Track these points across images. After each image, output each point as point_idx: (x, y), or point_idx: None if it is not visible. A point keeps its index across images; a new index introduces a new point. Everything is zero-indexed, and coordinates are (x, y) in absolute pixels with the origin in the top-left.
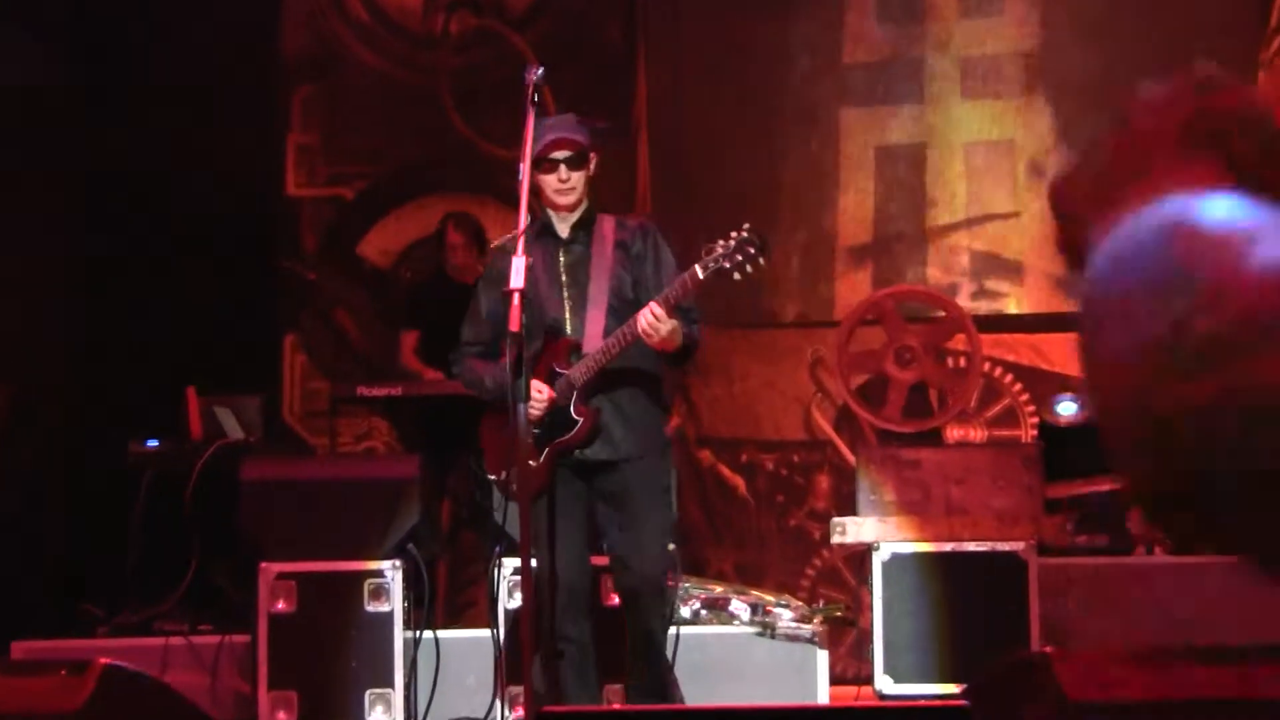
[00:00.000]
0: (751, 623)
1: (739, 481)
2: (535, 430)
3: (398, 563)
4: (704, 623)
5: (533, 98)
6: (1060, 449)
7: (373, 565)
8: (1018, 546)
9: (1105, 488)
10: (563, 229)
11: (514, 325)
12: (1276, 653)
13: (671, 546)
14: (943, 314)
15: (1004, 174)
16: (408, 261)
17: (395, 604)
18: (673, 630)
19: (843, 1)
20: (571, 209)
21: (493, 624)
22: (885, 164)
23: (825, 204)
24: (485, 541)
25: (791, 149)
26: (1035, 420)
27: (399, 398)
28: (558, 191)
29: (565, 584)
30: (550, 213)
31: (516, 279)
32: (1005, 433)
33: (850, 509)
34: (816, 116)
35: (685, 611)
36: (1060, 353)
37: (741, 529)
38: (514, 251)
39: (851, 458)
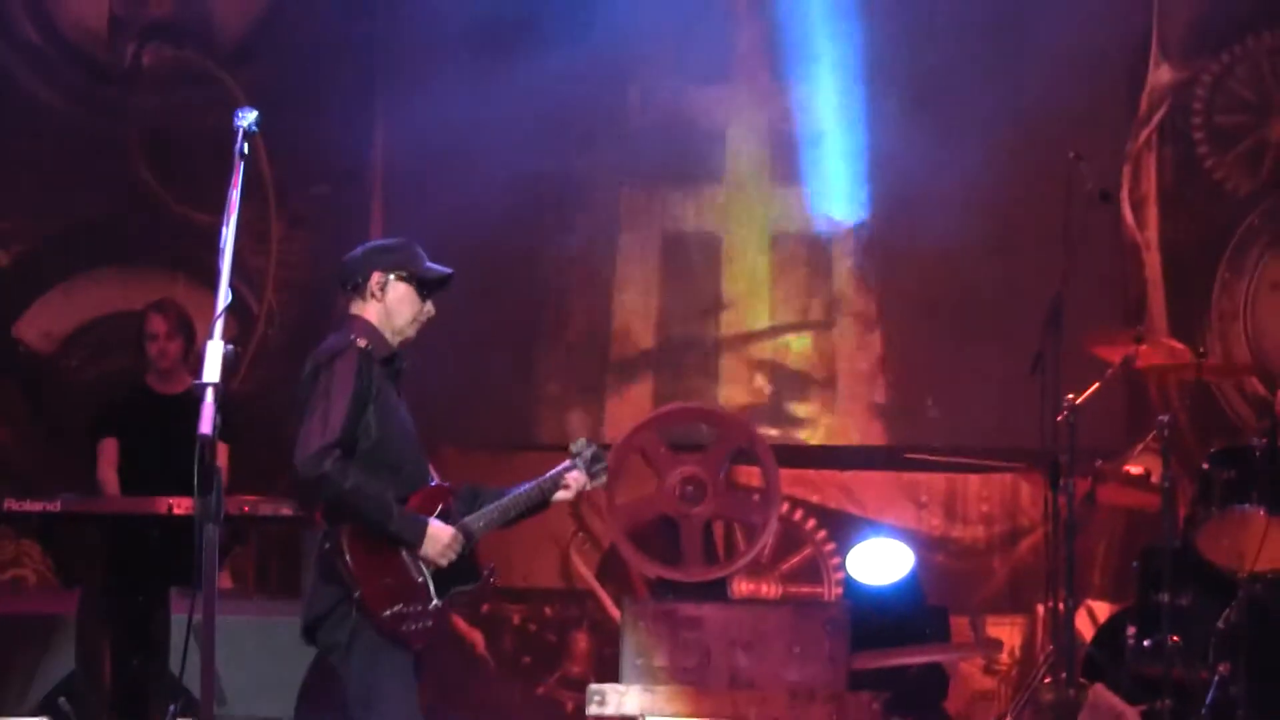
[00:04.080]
0: None
1: (477, 637)
2: (429, 569)
3: None
4: None
5: (241, 148)
6: (870, 612)
7: None
8: None
9: (922, 659)
10: (399, 364)
11: (205, 427)
12: None
13: None
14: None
15: (816, 272)
16: (77, 348)
17: None
18: None
19: (631, 49)
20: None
21: None
22: (674, 256)
23: (597, 302)
24: (159, 698)
25: (558, 232)
26: (841, 575)
27: (59, 514)
28: (419, 323)
29: None
30: (386, 334)
31: (211, 371)
32: (805, 589)
33: (613, 675)
34: (592, 194)
35: None
36: (874, 494)
37: (479, 697)
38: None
39: (616, 613)
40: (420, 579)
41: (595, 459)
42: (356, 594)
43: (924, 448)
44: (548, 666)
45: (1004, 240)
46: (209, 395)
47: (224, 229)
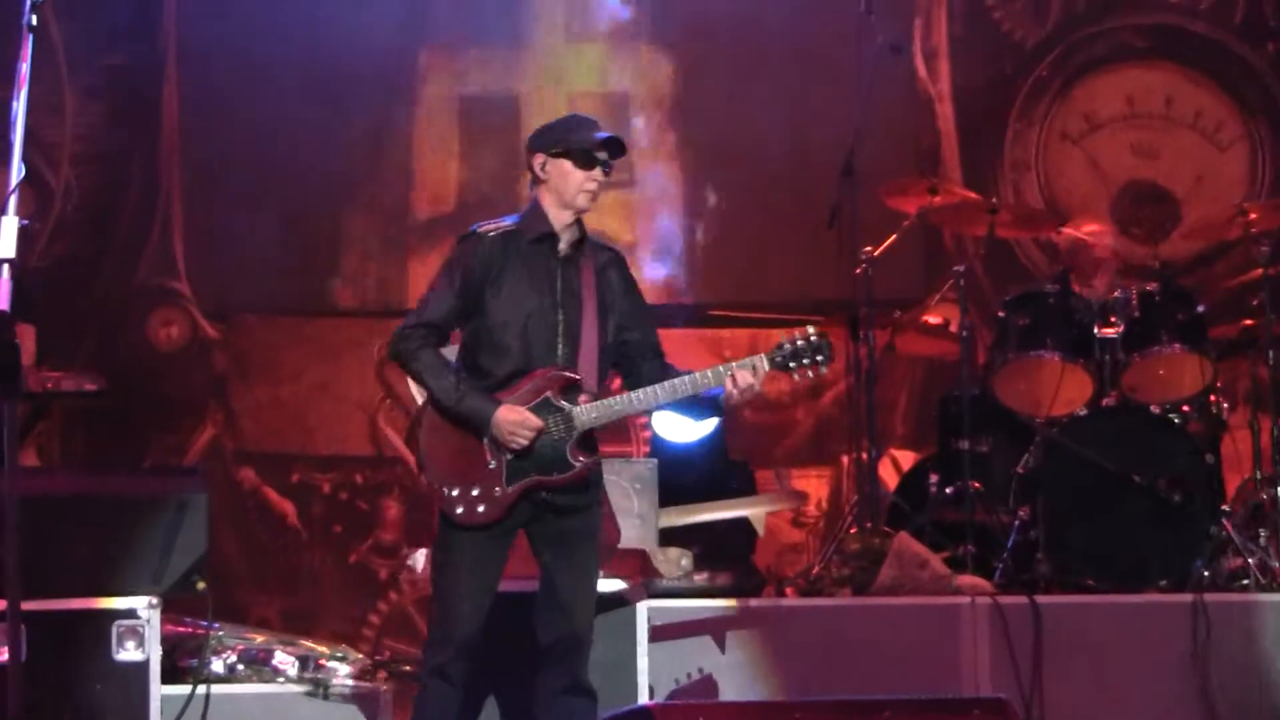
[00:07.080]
0: (300, 679)
1: (288, 508)
2: (505, 455)
3: None
4: (241, 680)
5: (30, 20)
6: (679, 469)
7: None
8: (624, 586)
9: (728, 514)
10: (565, 239)
11: (1, 303)
12: (906, 705)
13: (201, 585)
14: None
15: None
16: None
17: None
18: (201, 689)
19: None
20: (579, 216)
21: None
22: (472, 118)
23: (396, 165)
24: None
25: (355, 95)
26: (648, 435)
27: None
28: (586, 192)
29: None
30: (552, 213)
31: (6, 246)
32: (614, 449)
33: (424, 540)
34: (389, 57)
35: (218, 666)
36: (678, 351)
37: (290, 567)
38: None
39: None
40: (493, 464)
41: (798, 353)
42: (421, 466)
43: (726, 304)
44: (359, 535)
45: (796, 94)
46: (5, 272)
47: (14, 103)
